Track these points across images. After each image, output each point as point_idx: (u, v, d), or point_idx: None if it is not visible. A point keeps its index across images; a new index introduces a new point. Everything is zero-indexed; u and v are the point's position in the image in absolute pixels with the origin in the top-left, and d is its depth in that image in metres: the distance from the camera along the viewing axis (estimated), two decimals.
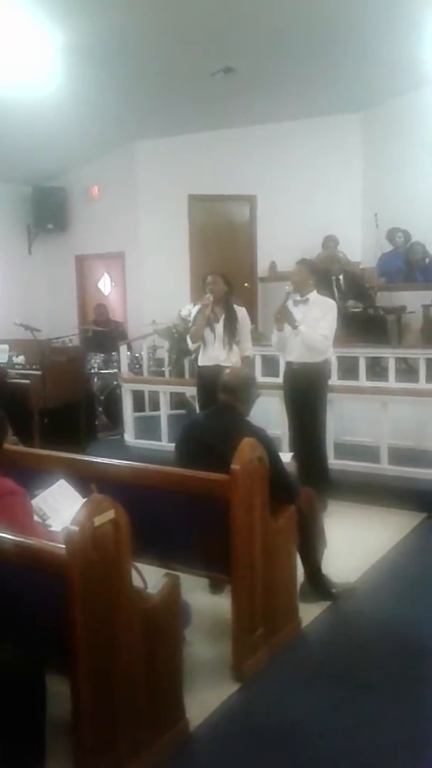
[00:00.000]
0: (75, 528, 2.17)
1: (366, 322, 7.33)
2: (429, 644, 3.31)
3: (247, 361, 5.20)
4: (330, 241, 8.65)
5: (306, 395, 4.94)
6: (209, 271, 5.38)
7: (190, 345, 5.36)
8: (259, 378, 6.23)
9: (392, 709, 2.81)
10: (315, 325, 4.83)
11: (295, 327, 4.83)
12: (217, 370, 4.95)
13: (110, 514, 2.25)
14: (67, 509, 2.76)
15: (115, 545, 2.26)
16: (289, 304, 4.91)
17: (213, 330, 5.15)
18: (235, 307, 5.23)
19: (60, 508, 2.90)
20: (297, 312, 4.88)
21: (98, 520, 2.21)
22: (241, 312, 5.25)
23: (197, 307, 5.38)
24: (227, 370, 3.79)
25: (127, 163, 9.01)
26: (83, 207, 9.46)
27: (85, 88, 6.80)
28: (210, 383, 4.99)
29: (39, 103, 6.67)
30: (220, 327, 5.14)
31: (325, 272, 7.61)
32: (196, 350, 5.28)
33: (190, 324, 5.49)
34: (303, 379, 4.93)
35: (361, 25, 6.39)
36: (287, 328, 4.89)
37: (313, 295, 4.95)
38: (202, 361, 5.25)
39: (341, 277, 7.58)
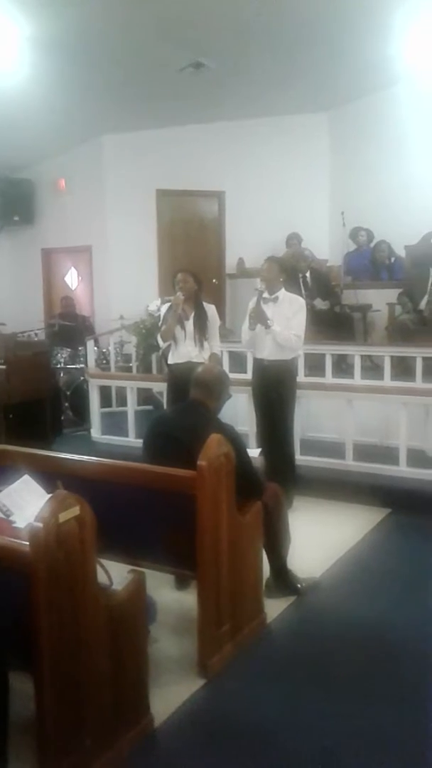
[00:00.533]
0: (39, 525, 2.15)
1: (332, 319, 7.40)
2: (393, 638, 3.35)
3: (215, 359, 5.21)
4: (293, 239, 8.70)
5: (277, 392, 4.96)
6: (179, 269, 5.38)
7: (161, 344, 5.37)
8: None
9: (357, 703, 2.84)
10: (285, 323, 4.85)
11: (268, 327, 4.84)
12: (188, 367, 4.95)
13: (75, 511, 2.24)
14: (32, 506, 2.72)
15: (80, 542, 2.25)
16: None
17: (183, 328, 5.15)
18: (205, 304, 5.25)
19: (24, 505, 2.86)
20: (266, 310, 4.90)
21: (63, 517, 2.19)
22: (211, 309, 5.27)
23: (166, 306, 5.38)
24: (200, 367, 3.78)
25: (95, 157, 8.92)
26: (50, 200, 9.35)
27: (51, 80, 6.70)
28: (181, 381, 4.99)
29: (4, 93, 6.56)
30: (190, 324, 5.15)
31: (292, 270, 7.66)
32: (167, 349, 5.29)
33: (160, 323, 5.48)
34: (274, 376, 4.95)
35: (330, 24, 6.42)
36: (258, 326, 4.91)
37: (282, 293, 4.97)
38: (173, 359, 5.25)
39: (308, 274, 7.63)
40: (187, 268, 5.37)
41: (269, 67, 7.23)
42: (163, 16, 5.91)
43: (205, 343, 5.15)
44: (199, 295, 5.23)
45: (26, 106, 7.05)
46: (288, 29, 6.43)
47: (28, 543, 2.17)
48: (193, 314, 5.16)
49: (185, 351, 5.15)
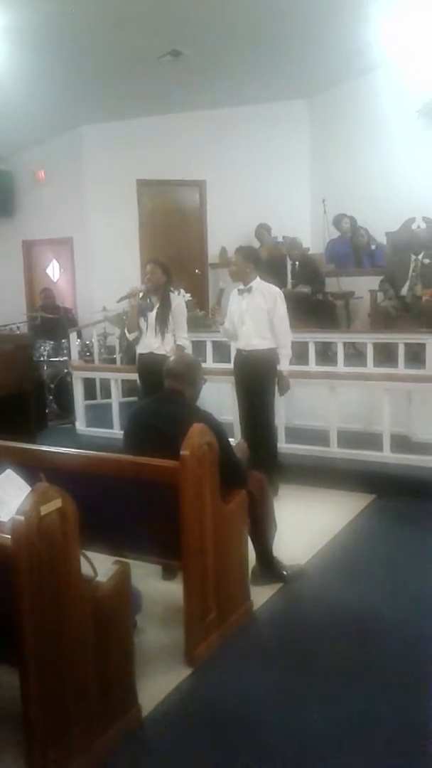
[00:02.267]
0: (20, 517, 2.14)
1: (315, 307, 7.42)
2: (378, 624, 3.37)
3: (179, 350, 5.17)
4: (262, 229, 8.69)
5: (256, 381, 4.97)
6: (149, 259, 5.42)
7: (128, 336, 5.41)
8: (210, 364, 6.26)
9: (343, 689, 2.86)
10: (260, 315, 4.85)
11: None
12: (151, 358, 5.01)
13: (57, 503, 2.23)
14: (15, 499, 2.70)
15: (62, 534, 2.24)
16: (234, 293, 4.99)
17: (146, 319, 5.17)
18: (172, 296, 5.24)
19: (7, 499, 2.84)
20: (242, 301, 4.91)
21: (44, 509, 2.18)
22: (176, 301, 5.27)
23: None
24: (171, 358, 3.78)
25: (74, 147, 8.85)
26: (30, 191, 9.27)
27: (28, 70, 6.63)
28: (146, 370, 5.07)
29: None
30: (152, 316, 5.15)
31: (281, 258, 7.69)
32: (137, 339, 5.30)
33: None
34: (253, 365, 4.96)
35: (308, 11, 6.39)
36: (237, 317, 4.93)
37: (257, 283, 4.93)
38: (140, 349, 5.33)
39: (297, 262, 7.62)
40: (156, 259, 5.38)
41: (247, 55, 7.20)
42: (140, 3, 5.85)
43: (168, 335, 5.15)
44: (167, 287, 5.22)
45: (3, 96, 6.97)
46: (266, 16, 6.40)
47: (9, 536, 2.16)
48: (157, 305, 5.16)
49: (148, 342, 5.20)
